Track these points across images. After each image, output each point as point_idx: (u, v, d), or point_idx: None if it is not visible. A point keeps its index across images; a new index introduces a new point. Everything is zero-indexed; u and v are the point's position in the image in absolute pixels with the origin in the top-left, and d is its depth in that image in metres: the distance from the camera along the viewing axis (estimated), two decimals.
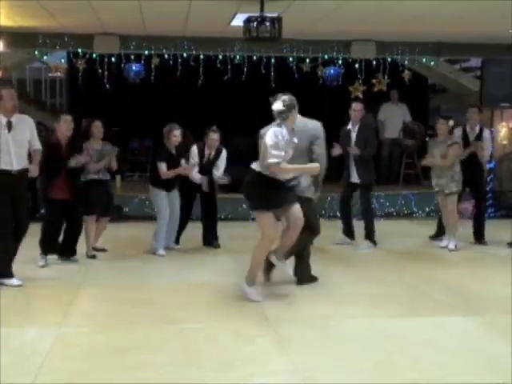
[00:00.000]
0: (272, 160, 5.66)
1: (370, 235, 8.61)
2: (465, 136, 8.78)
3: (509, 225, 8.88)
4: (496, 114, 11.86)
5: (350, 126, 8.60)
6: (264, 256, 6.11)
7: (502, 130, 12.24)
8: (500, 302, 6.09)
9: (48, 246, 7.36)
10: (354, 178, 8.56)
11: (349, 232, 8.79)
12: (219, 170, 8.42)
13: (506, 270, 7.51)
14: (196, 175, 8.27)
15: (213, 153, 8.39)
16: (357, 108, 8.58)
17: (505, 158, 11.92)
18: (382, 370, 4.37)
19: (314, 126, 6.40)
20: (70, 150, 7.33)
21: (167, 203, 8.02)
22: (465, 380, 4.21)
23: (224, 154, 8.46)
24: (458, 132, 8.75)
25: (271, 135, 5.76)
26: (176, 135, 8.05)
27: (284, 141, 5.74)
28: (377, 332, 5.19)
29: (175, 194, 8.17)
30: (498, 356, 4.66)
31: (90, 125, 7.81)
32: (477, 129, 8.89)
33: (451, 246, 8.46)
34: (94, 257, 7.78)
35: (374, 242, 8.56)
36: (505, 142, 12.15)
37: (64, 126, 7.28)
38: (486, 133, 8.96)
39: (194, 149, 8.36)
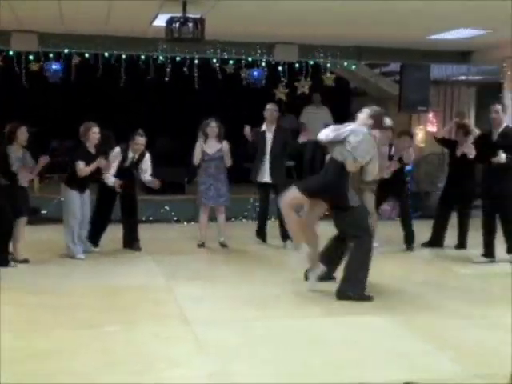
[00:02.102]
0: None
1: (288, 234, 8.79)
2: None
3: (425, 226, 9.11)
4: (414, 118, 12.18)
5: (264, 127, 8.70)
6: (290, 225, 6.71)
7: (420, 134, 12.59)
8: (415, 301, 6.27)
9: None
10: (266, 178, 8.64)
11: (262, 233, 8.88)
12: (147, 173, 8.35)
13: (421, 270, 7.75)
14: (110, 178, 8.13)
15: (136, 156, 8.31)
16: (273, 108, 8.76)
17: (422, 161, 12.25)
18: (301, 370, 4.42)
19: None
20: None
21: (80, 204, 7.88)
22: (382, 378, 4.30)
23: (148, 157, 8.40)
24: None
25: None
26: (95, 132, 7.93)
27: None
28: (297, 333, 5.25)
29: (87, 196, 8.04)
30: (414, 354, 4.79)
31: (16, 130, 7.52)
32: None
33: (375, 245, 8.68)
34: (27, 261, 7.55)
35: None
36: (422, 145, 12.49)
37: None
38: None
39: (117, 150, 8.24)
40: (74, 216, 7.85)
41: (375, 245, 8.74)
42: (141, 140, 8.22)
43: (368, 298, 6.21)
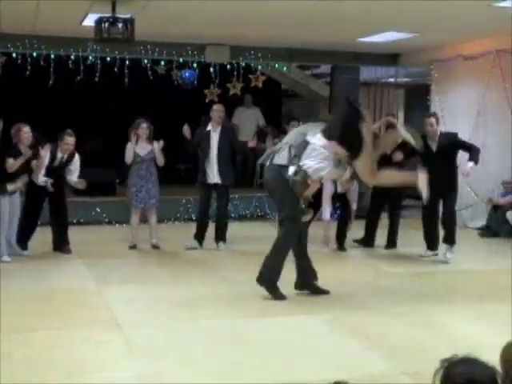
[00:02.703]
0: None
1: (225, 236, 8.76)
2: None
3: (357, 226, 9.23)
4: None
5: (209, 128, 8.65)
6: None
7: None
8: (346, 300, 6.35)
9: None
10: (215, 179, 8.59)
11: (202, 236, 8.82)
12: (74, 175, 8.20)
13: (352, 270, 7.87)
14: (40, 177, 7.97)
15: (65, 156, 8.17)
16: (220, 109, 8.72)
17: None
18: (232, 371, 4.43)
19: None
20: None
21: (7, 205, 7.69)
22: (312, 378, 4.33)
23: (77, 158, 8.26)
24: None
25: None
26: (26, 132, 7.76)
27: None
28: (228, 333, 5.26)
29: (16, 198, 7.85)
30: (344, 353, 4.86)
31: None
32: None
33: None
34: None
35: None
36: None
37: None
38: None
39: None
40: (3, 218, 7.64)
41: None
42: (70, 140, 8.08)
43: (280, 297, 6.22)
